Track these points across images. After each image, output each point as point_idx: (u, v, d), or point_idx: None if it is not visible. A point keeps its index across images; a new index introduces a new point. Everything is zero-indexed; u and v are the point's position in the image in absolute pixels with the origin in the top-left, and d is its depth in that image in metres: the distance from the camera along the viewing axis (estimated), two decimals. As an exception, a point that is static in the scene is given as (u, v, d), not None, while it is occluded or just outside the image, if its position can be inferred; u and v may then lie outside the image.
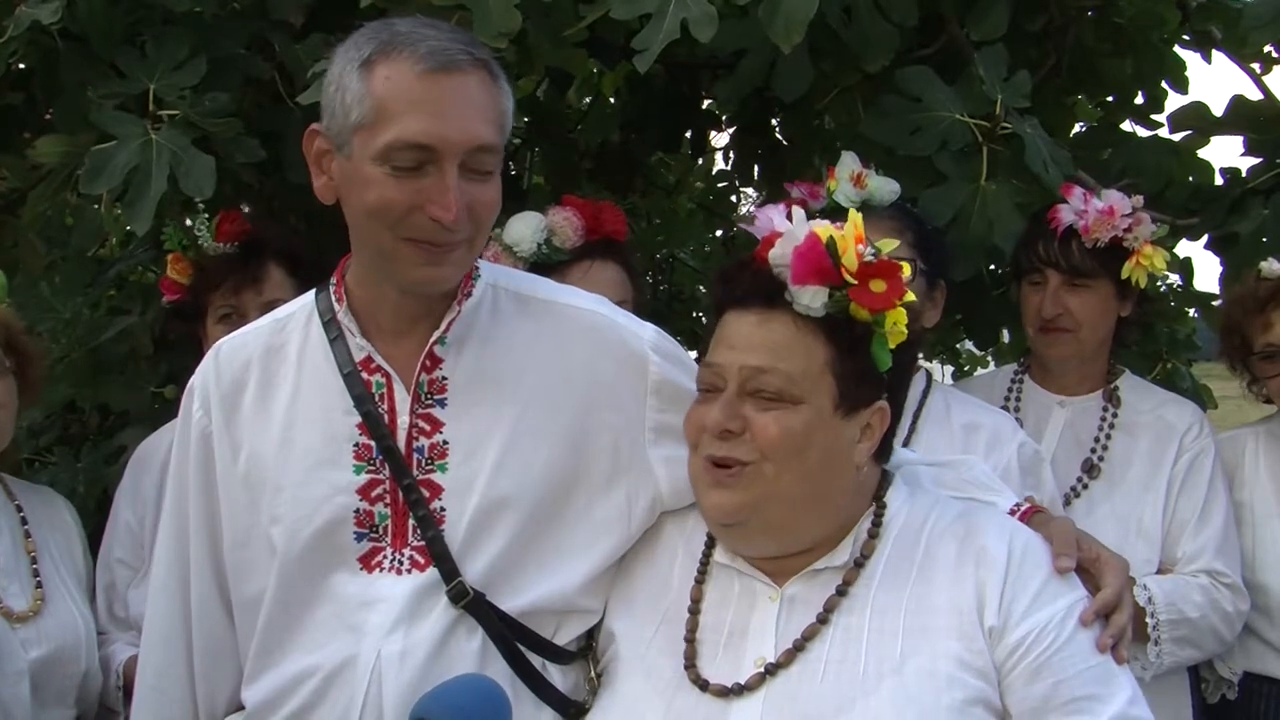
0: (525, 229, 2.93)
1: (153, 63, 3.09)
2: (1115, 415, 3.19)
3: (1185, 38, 4.10)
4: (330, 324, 2.11)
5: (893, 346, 1.99)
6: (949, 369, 6.12)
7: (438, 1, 2.79)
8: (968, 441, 2.90)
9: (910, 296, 1.99)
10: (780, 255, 1.98)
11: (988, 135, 3.18)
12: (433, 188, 1.91)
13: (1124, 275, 3.07)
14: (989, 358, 5.58)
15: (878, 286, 1.95)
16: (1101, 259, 3.06)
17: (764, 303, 1.99)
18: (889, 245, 2.04)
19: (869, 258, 1.96)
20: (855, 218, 2.00)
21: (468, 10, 2.78)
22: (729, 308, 2.05)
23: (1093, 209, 3.04)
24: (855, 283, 1.94)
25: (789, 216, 2.01)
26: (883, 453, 2.09)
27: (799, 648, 1.95)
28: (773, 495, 1.95)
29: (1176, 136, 3.79)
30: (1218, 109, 3.70)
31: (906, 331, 1.99)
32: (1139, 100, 4.11)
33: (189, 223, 3.07)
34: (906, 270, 2.00)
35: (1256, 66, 3.93)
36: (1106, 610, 2.00)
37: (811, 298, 1.95)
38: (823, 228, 1.97)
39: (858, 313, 1.96)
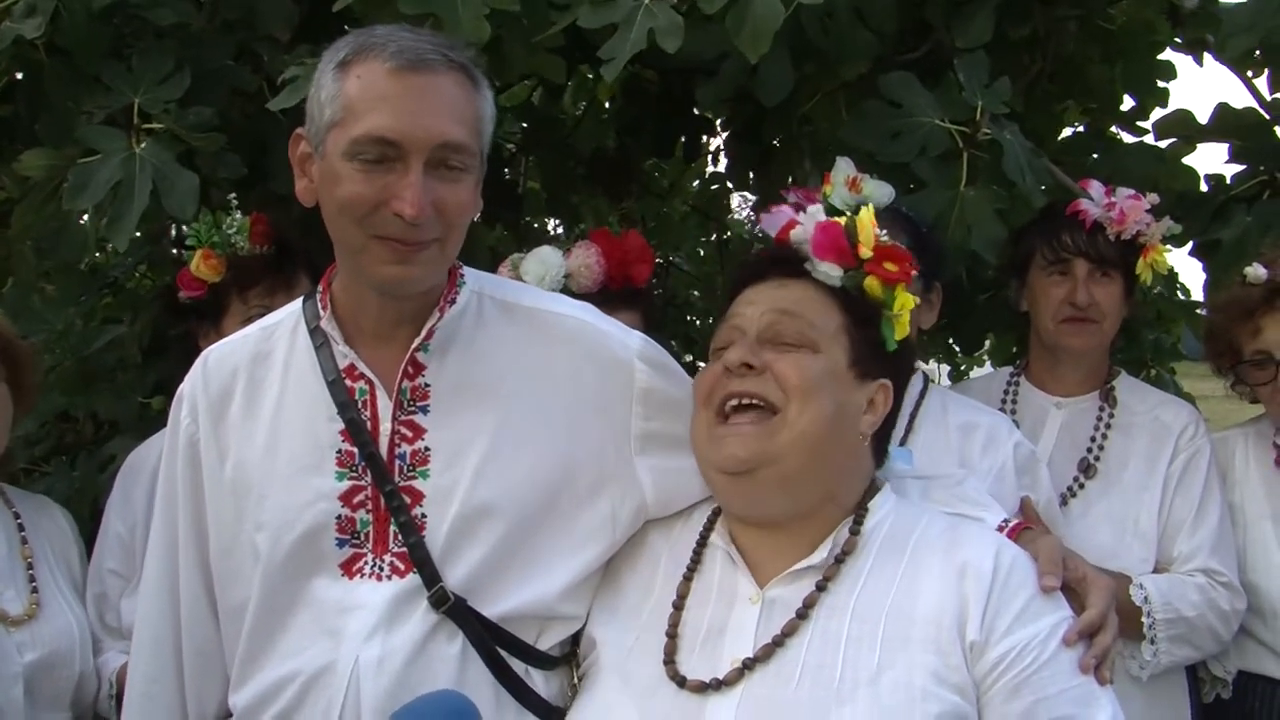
0: (543, 270, 2.90)
1: (138, 76, 3.10)
2: (1112, 415, 3.19)
3: (1177, 40, 4.09)
4: (316, 331, 2.13)
5: (898, 337, 2.08)
6: (945, 368, 6.12)
7: (407, 10, 2.80)
8: (964, 442, 2.90)
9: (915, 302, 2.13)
10: (802, 233, 2.12)
11: (968, 141, 3.18)
12: (397, 183, 1.92)
13: (1136, 271, 3.10)
14: (985, 357, 5.58)
15: (891, 266, 2.09)
16: (1121, 252, 3.09)
17: (784, 273, 2.12)
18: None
19: (884, 239, 2.11)
20: (867, 211, 2.14)
21: (439, 18, 2.79)
22: (747, 285, 2.14)
23: (1122, 198, 3.08)
24: (872, 255, 2.08)
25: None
26: (878, 453, 2.14)
27: (778, 643, 1.96)
28: (792, 443, 1.98)
29: (1163, 143, 3.79)
30: (1211, 113, 3.71)
31: (907, 326, 2.10)
32: (1126, 106, 4.11)
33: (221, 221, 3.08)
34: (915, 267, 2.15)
35: (1249, 73, 3.91)
36: (1090, 630, 2.00)
37: (830, 268, 2.08)
38: (839, 217, 2.14)
39: (871, 288, 2.08)
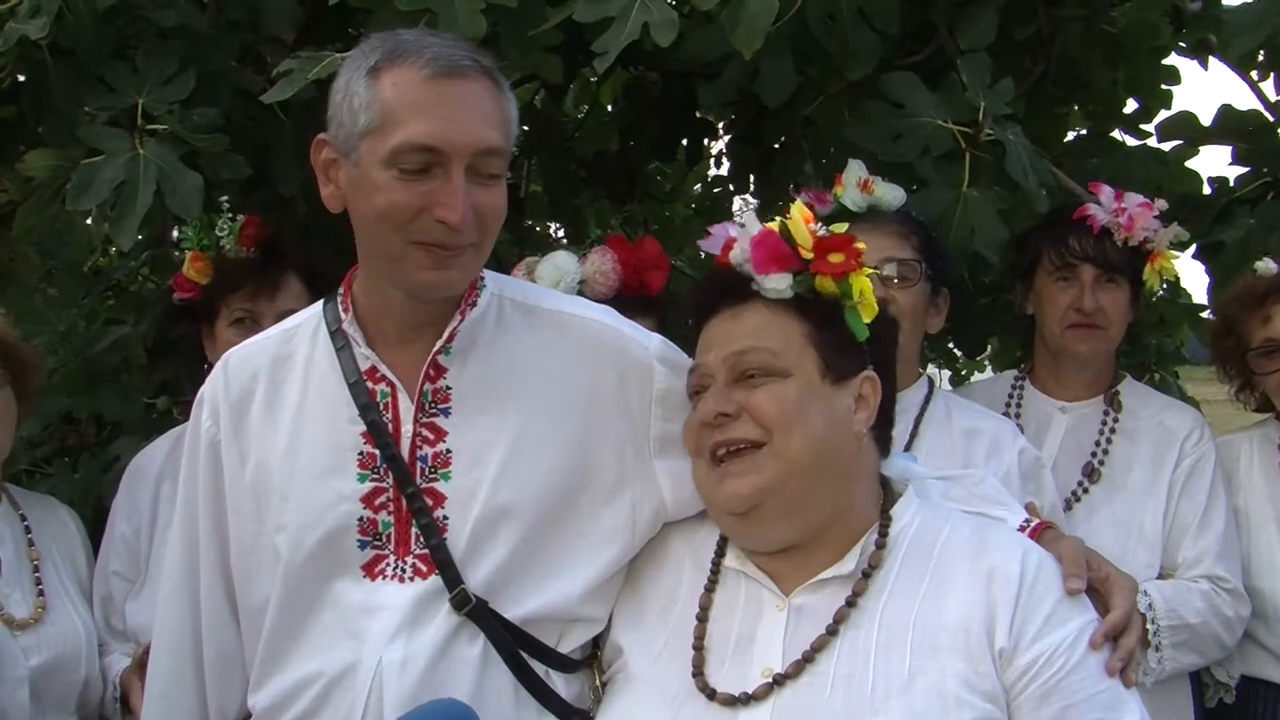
0: (558, 275, 2.89)
1: (142, 77, 3.09)
2: (1116, 420, 3.19)
3: (1182, 45, 4.10)
4: (337, 334, 2.13)
5: (867, 320, 2.06)
6: (946, 373, 6.12)
7: (404, 6, 2.81)
8: (968, 447, 2.91)
9: (870, 271, 2.09)
10: (740, 252, 2.08)
11: (971, 142, 3.17)
12: (439, 190, 1.93)
13: (1144, 278, 3.10)
14: (986, 363, 5.57)
15: (836, 258, 2.04)
16: (1129, 259, 3.09)
17: (734, 300, 2.08)
18: (840, 227, 2.12)
19: (821, 233, 2.06)
20: (797, 206, 2.09)
21: (435, 14, 2.80)
22: (703, 320, 2.12)
23: (1131, 205, 3.07)
24: (813, 256, 2.04)
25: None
26: (882, 446, 2.14)
27: (808, 659, 1.96)
28: (786, 470, 1.98)
29: (1166, 146, 3.79)
30: (1214, 116, 3.71)
31: (876, 304, 2.07)
32: (1129, 109, 4.11)
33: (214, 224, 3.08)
34: (862, 245, 2.09)
35: (1255, 74, 3.92)
36: (1115, 633, 2.02)
37: (777, 281, 2.04)
38: (773, 222, 2.08)
39: (823, 286, 2.04)
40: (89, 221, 3.11)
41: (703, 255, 6.01)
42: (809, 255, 2.04)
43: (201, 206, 2.95)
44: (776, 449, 1.98)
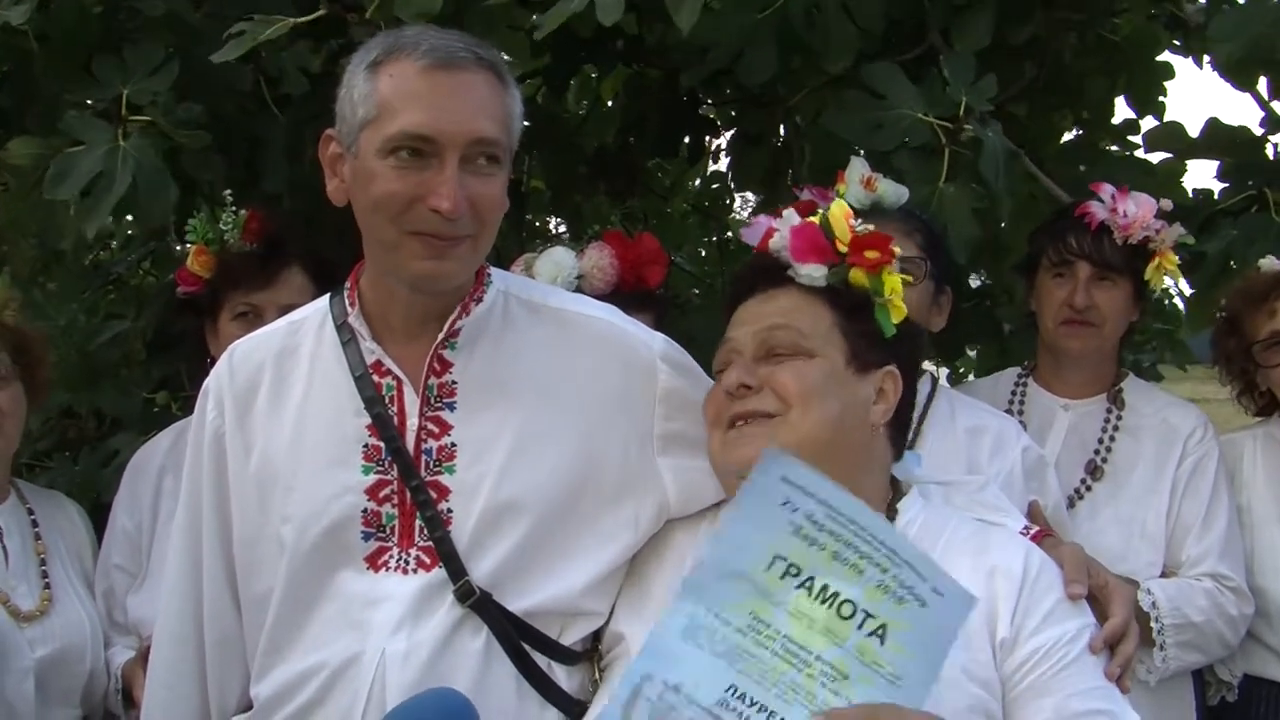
0: (556, 271, 2.90)
1: (130, 68, 3.09)
2: (1119, 418, 3.19)
3: (1176, 43, 4.07)
4: (343, 327, 2.16)
5: (896, 321, 2.11)
6: (944, 371, 6.08)
7: None
8: (972, 445, 2.90)
9: (906, 278, 2.17)
10: (779, 240, 2.16)
11: (951, 138, 3.14)
12: (433, 179, 1.95)
13: (1145, 277, 3.10)
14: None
15: (871, 254, 2.12)
16: (1128, 257, 3.08)
17: (769, 284, 2.16)
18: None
19: (860, 230, 2.14)
20: (839, 203, 2.17)
21: None
22: (738, 301, 2.18)
23: (1132, 205, 3.07)
24: (849, 250, 2.11)
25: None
26: (895, 448, 2.17)
27: None
28: (796, 443, 1.99)
29: (1154, 158, 3.76)
30: (1201, 128, 3.68)
31: (905, 308, 2.13)
32: (1119, 120, 4.09)
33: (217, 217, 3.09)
34: (898, 249, 2.17)
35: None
36: (1114, 639, 2.06)
37: (812, 269, 2.11)
38: (814, 215, 2.16)
39: (857, 278, 2.11)
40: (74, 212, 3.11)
41: (702, 252, 6.10)
42: (844, 248, 2.11)
43: (172, 215, 2.95)
44: (791, 421, 2.03)
